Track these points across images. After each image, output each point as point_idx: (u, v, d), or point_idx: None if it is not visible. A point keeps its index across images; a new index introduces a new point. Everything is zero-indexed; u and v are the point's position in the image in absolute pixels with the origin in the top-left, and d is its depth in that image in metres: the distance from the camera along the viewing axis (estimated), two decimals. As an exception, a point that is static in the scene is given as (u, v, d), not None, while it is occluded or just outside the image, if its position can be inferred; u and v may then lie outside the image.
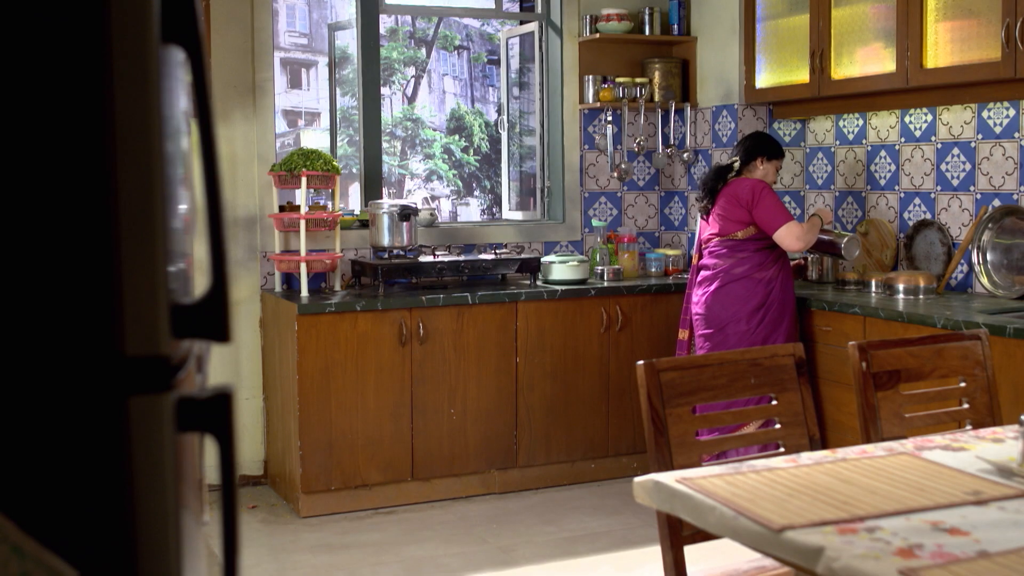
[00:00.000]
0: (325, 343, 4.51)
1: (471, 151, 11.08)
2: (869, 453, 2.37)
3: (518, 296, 4.82)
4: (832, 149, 5.26)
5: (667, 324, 5.10)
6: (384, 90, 9.70)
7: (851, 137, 5.13)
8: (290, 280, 5.01)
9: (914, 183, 4.79)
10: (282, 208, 4.88)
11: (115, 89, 1.13)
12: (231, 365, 4.96)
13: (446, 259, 4.94)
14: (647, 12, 5.57)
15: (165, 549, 1.19)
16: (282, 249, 4.94)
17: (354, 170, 6.96)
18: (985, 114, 4.44)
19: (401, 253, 4.91)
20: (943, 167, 4.65)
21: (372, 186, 5.32)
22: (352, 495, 4.62)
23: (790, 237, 4.35)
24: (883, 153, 4.95)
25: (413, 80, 11.88)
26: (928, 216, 4.72)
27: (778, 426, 2.72)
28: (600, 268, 5.19)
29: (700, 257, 4.60)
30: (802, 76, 4.88)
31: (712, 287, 4.48)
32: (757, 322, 4.41)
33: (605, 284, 5.06)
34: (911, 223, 4.78)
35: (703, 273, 4.55)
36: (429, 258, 4.97)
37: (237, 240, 4.96)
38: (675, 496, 2.13)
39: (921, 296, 4.36)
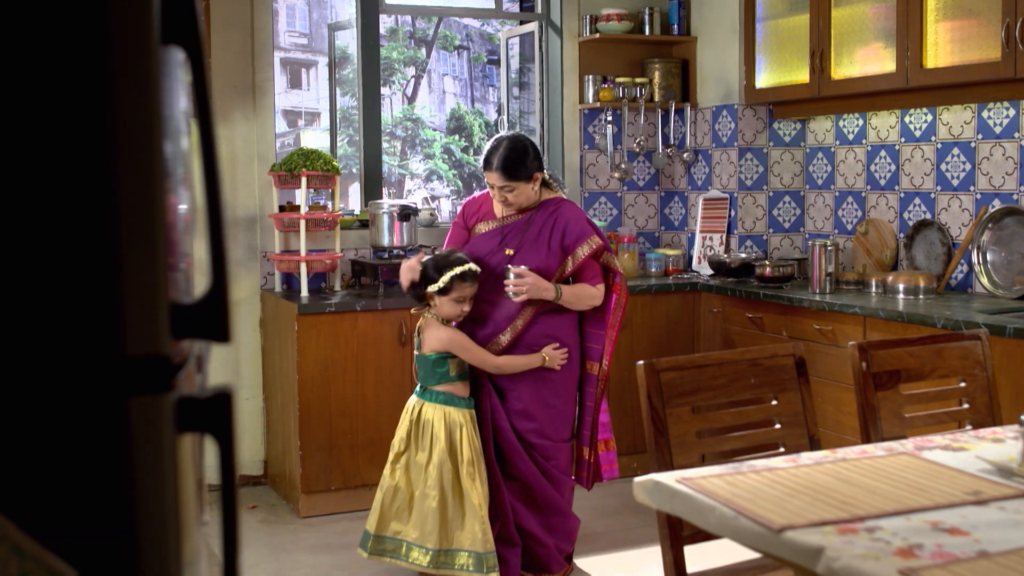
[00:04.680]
0: (325, 343, 4.51)
1: (471, 151, 11.08)
2: (869, 453, 2.37)
3: (518, 296, 4.81)
4: (832, 149, 5.26)
5: (667, 324, 5.10)
6: (384, 90, 9.70)
7: (851, 137, 5.13)
8: (290, 280, 5.01)
9: (914, 183, 4.79)
10: (282, 208, 4.88)
11: (115, 89, 1.13)
12: (231, 365, 4.96)
13: (446, 259, 4.94)
14: (647, 12, 5.57)
15: (165, 549, 1.19)
16: (282, 249, 4.94)
17: (354, 170, 6.96)
18: (985, 114, 4.44)
19: (401, 253, 4.91)
20: (943, 167, 4.65)
21: (372, 186, 5.32)
22: (352, 495, 4.62)
23: None
24: (883, 153, 4.95)
25: (413, 80, 11.87)
26: (928, 216, 4.72)
27: (778, 426, 2.72)
28: (600, 268, 5.18)
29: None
30: (802, 76, 4.88)
31: None
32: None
33: (605, 284, 5.05)
34: (911, 223, 4.78)
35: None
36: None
37: (237, 240, 4.96)
38: (675, 496, 2.13)
39: (921, 296, 4.36)
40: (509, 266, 3.58)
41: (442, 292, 3.57)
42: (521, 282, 3.55)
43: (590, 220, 3.74)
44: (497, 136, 3.72)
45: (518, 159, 3.60)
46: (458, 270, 3.56)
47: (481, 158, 3.69)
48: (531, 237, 3.68)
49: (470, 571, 3.53)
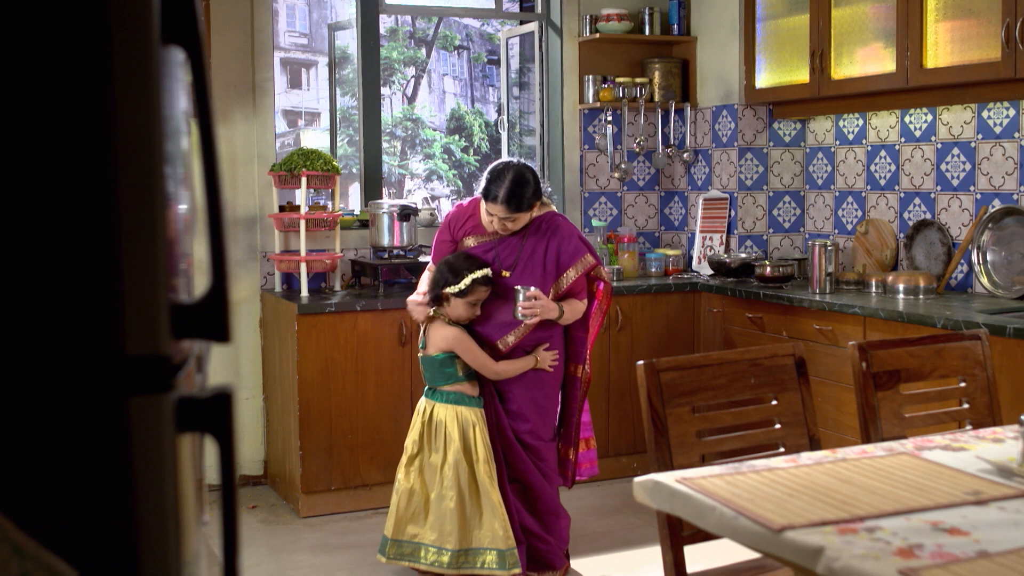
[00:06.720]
0: (325, 343, 4.51)
1: (471, 151, 11.08)
2: (869, 453, 2.37)
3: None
4: (832, 149, 5.26)
5: (667, 324, 5.10)
6: (384, 90, 9.70)
7: (851, 137, 5.13)
8: (290, 280, 5.01)
9: (914, 183, 4.79)
10: (282, 208, 4.88)
11: (115, 89, 1.13)
12: (231, 365, 4.96)
13: (446, 259, 4.93)
14: (647, 12, 5.57)
15: (165, 549, 1.19)
16: (282, 249, 4.94)
17: (354, 170, 6.96)
18: (985, 114, 4.44)
19: (401, 253, 4.91)
20: (943, 167, 4.65)
21: (372, 186, 5.32)
22: (352, 495, 4.62)
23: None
24: (883, 153, 4.95)
25: (413, 80, 11.87)
26: (928, 216, 4.72)
27: (778, 426, 2.72)
28: (600, 268, 5.18)
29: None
30: (802, 76, 4.88)
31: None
32: None
33: (605, 284, 5.05)
34: (911, 223, 4.78)
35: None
36: (429, 258, 4.96)
37: (237, 240, 4.95)
38: (675, 496, 2.13)
39: (921, 296, 4.36)
40: (519, 287, 3.56)
41: (460, 295, 3.59)
42: (533, 304, 3.55)
43: (582, 236, 3.73)
44: (498, 164, 3.65)
45: (522, 192, 3.56)
46: (478, 274, 3.58)
47: (480, 187, 3.63)
48: (525, 256, 3.67)
49: (493, 569, 3.54)
